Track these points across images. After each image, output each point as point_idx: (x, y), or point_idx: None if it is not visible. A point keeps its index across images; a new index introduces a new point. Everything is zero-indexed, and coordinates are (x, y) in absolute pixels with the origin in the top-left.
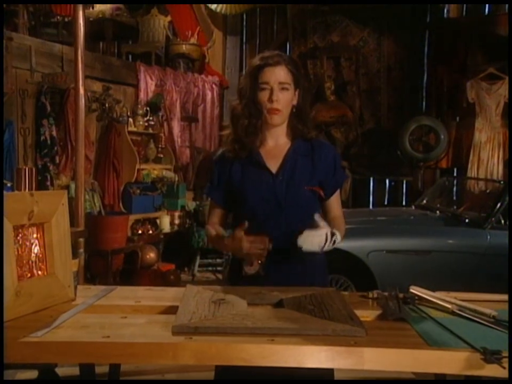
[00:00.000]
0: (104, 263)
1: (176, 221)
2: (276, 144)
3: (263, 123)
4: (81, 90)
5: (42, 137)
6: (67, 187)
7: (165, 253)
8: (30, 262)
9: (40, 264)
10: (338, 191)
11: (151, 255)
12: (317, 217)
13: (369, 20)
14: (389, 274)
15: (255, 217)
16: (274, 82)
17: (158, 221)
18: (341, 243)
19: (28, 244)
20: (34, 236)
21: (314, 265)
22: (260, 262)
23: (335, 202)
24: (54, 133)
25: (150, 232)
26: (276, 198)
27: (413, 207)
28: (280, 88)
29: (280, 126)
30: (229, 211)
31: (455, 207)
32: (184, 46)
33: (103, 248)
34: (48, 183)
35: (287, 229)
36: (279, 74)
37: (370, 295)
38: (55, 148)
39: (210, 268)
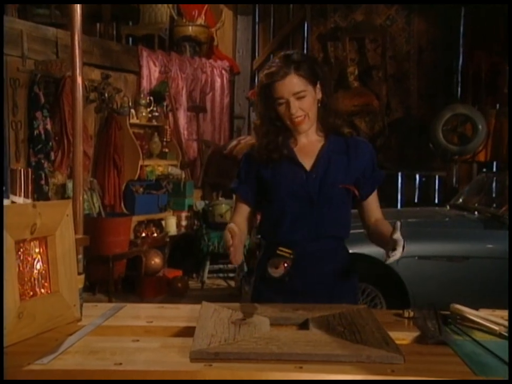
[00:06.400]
0: (105, 270)
1: (183, 222)
2: (309, 141)
3: (292, 129)
4: (79, 79)
5: (35, 131)
6: (63, 186)
7: (171, 258)
8: (32, 279)
9: (43, 281)
10: (375, 192)
11: (156, 260)
12: (398, 226)
13: None
14: (421, 282)
15: (285, 215)
16: (288, 95)
17: (163, 222)
18: (367, 248)
19: (29, 259)
20: (37, 250)
21: (346, 270)
22: (286, 265)
23: (374, 204)
24: (49, 127)
25: (155, 235)
26: (308, 195)
27: (448, 207)
28: (296, 98)
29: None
30: (256, 210)
31: (495, 206)
32: (190, 27)
33: (104, 253)
34: (43, 181)
35: (317, 228)
36: (291, 86)
37: (406, 314)
38: (50, 143)
39: (221, 274)
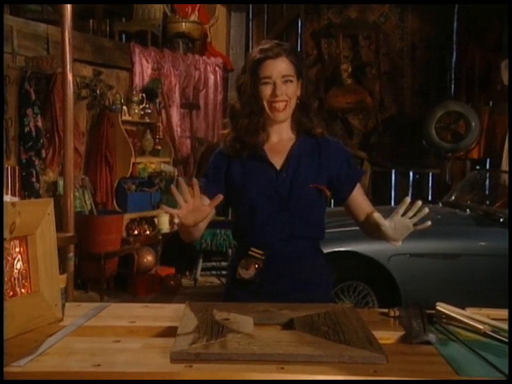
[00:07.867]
0: (97, 268)
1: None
2: (280, 139)
3: (266, 119)
4: (70, 76)
5: (26, 129)
6: (55, 183)
7: (164, 256)
8: (12, 279)
9: (23, 281)
10: (360, 187)
11: (149, 258)
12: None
13: None
14: (413, 280)
15: (255, 215)
16: (277, 76)
17: (156, 220)
18: (359, 246)
19: (9, 259)
20: (17, 250)
21: (319, 271)
22: (256, 266)
23: (361, 199)
24: (40, 124)
25: (147, 232)
26: (278, 195)
27: (440, 204)
28: (283, 81)
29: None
30: (221, 211)
31: (488, 204)
32: (183, 24)
33: (95, 251)
34: (34, 179)
35: (289, 229)
36: (281, 67)
37: (392, 313)
38: (41, 140)
39: (214, 272)
